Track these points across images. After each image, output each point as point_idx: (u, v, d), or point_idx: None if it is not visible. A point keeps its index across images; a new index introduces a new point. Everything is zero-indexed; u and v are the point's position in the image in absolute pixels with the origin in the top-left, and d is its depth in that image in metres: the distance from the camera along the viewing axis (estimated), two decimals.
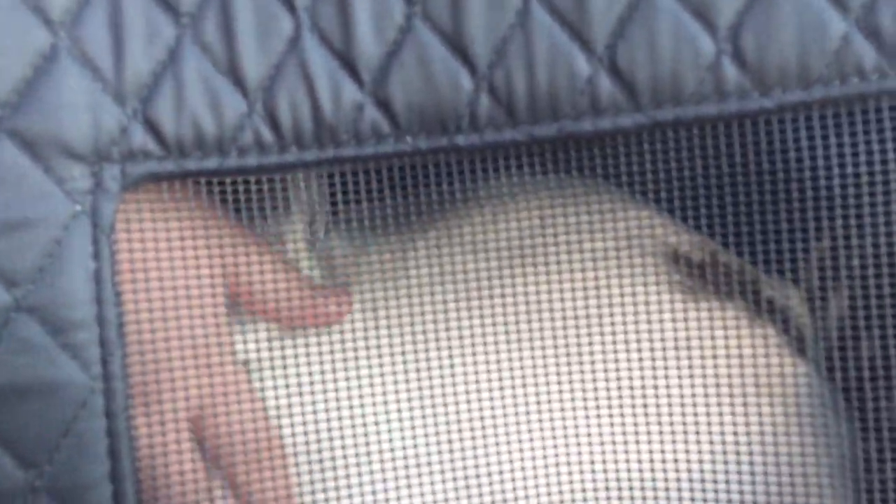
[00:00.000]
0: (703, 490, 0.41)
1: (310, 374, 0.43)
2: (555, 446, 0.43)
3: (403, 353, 0.43)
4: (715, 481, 0.41)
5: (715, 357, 0.42)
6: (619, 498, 0.43)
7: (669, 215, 0.48)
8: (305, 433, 0.43)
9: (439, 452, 0.43)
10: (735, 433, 0.43)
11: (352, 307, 0.44)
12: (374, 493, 0.43)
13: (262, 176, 0.35)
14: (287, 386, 0.43)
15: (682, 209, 0.42)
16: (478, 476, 0.43)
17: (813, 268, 0.43)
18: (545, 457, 0.43)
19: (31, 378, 0.32)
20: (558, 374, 0.43)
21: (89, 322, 0.32)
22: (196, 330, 0.38)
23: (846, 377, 0.41)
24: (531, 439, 0.43)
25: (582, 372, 0.42)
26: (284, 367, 0.43)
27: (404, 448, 0.44)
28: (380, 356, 0.43)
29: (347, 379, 0.43)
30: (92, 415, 0.32)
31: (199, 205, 0.39)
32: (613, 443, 0.43)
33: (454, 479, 0.43)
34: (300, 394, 0.42)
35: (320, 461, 0.44)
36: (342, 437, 0.44)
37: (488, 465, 0.43)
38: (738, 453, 0.42)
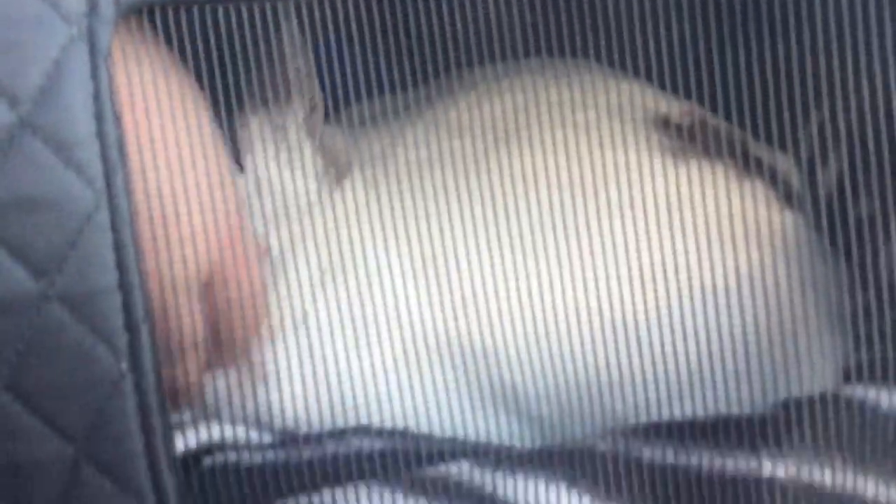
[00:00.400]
0: (696, 339, 0.42)
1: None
2: (553, 310, 0.44)
3: (405, 223, 0.45)
4: (706, 328, 0.42)
5: (705, 212, 0.42)
6: (617, 359, 0.44)
7: (659, 87, 0.49)
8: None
9: (432, 319, 0.45)
10: (725, 281, 0.44)
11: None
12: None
13: (254, 4, 0.37)
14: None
15: (672, 79, 0.43)
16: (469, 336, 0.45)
17: (811, 136, 0.43)
18: (538, 318, 0.44)
19: (38, 192, 0.34)
20: (554, 241, 0.44)
21: (90, 139, 0.34)
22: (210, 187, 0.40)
23: (844, 234, 0.41)
24: (527, 305, 0.44)
25: (578, 238, 0.43)
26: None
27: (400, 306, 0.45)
28: (382, 227, 0.44)
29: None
30: (97, 228, 0.34)
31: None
32: (609, 304, 0.44)
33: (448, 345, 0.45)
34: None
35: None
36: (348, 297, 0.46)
37: (480, 330, 0.45)
38: (728, 300, 0.43)
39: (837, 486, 0.38)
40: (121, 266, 0.35)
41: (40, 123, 0.34)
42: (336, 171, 0.48)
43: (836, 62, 0.39)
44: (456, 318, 0.45)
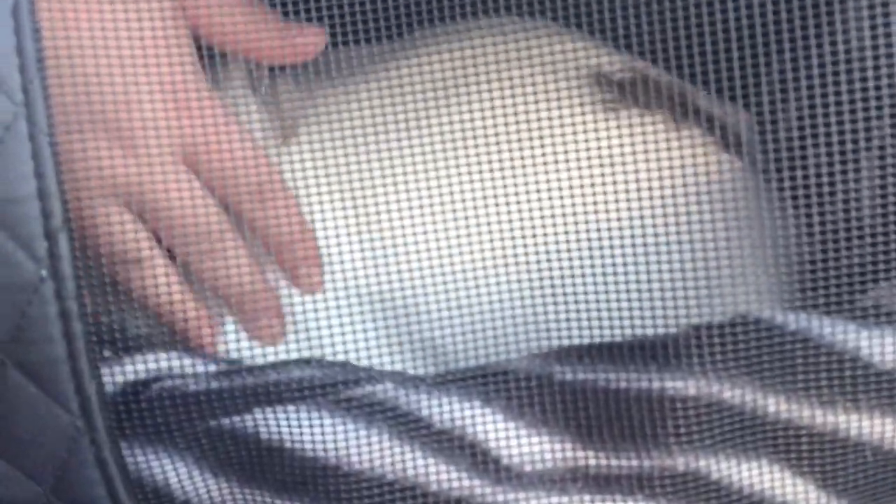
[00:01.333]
0: (640, 284, 0.43)
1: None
2: (488, 265, 0.45)
3: (350, 183, 0.46)
4: (648, 273, 0.43)
5: (644, 161, 0.43)
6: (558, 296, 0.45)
7: (612, 44, 0.50)
8: None
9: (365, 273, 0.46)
10: (667, 229, 0.45)
11: (325, 41, 0.46)
12: None
13: None
14: None
15: (612, 31, 0.44)
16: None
17: (763, 91, 0.44)
18: (470, 273, 0.45)
19: None
20: (489, 199, 0.45)
21: (9, 53, 0.36)
22: (165, 66, 0.41)
23: (794, 183, 0.42)
24: (458, 261, 0.45)
25: (513, 195, 0.45)
26: None
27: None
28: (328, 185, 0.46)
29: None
30: (16, 137, 0.36)
31: None
32: (532, 247, 0.45)
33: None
34: None
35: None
36: None
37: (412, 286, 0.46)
38: (669, 245, 0.44)
39: (739, 403, 0.39)
40: (38, 174, 0.36)
41: None
42: (283, 126, 0.50)
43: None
44: (388, 274, 0.46)
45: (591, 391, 0.39)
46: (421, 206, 0.47)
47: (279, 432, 0.41)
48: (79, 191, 0.41)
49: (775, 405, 0.39)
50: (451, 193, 0.46)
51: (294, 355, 0.45)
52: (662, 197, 0.45)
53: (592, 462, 0.40)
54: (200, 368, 0.45)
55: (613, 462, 0.39)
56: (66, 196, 0.37)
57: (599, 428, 0.39)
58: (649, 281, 0.42)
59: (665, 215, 0.45)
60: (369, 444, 0.40)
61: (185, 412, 0.42)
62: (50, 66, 0.37)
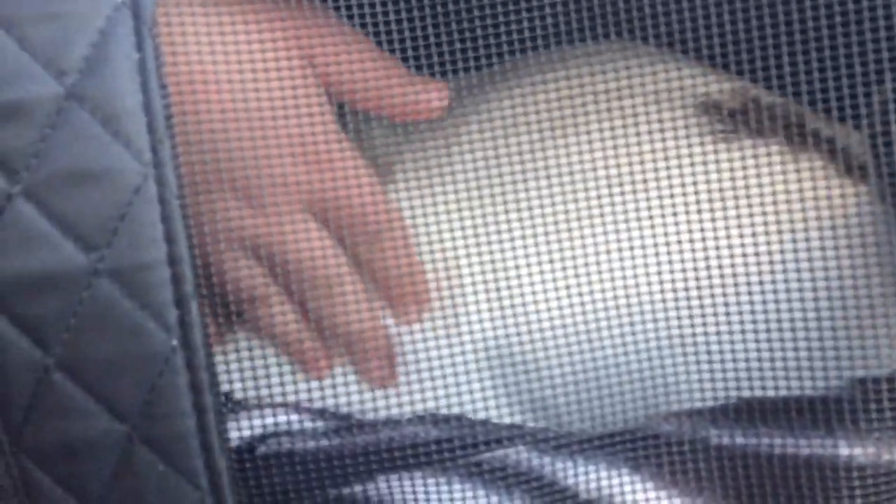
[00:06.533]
0: (766, 322, 0.40)
1: None
2: (613, 299, 0.43)
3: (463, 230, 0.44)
4: (777, 311, 0.40)
5: (761, 193, 0.41)
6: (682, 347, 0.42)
7: (708, 64, 0.48)
8: None
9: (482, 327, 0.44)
10: (784, 262, 0.42)
11: (449, 98, 0.44)
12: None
13: None
14: None
15: (722, 56, 0.42)
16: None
17: (876, 112, 0.41)
18: (593, 315, 0.43)
19: (87, 165, 0.34)
20: (604, 234, 0.43)
21: (137, 111, 0.34)
22: (295, 118, 0.39)
23: None
24: (583, 303, 0.43)
25: (630, 233, 0.42)
26: None
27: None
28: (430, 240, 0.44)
29: None
30: (145, 200, 0.34)
31: None
32: (670, 293, 0.43)
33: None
34: None
35: None
36: None
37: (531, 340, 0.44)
38: (789, 282, 0.41)
39: None
40: (169, 239, 0.34)
41: (87, 95, 0.34)
42: (378, 167, 0.48)
43: None
44: (513, 327, 0.44)
45: (752, 457, 0.37)
46: (539, 252, 0.44)
47: (414, 502, 0.39)
48: (206, 245, 0.39)
49: None
50: (572, 237, 0.44)
51: (407, 408, 0.43)
52: (798, 234, 0.43)
53: None
54: (309, 424, 0.43)
55: None
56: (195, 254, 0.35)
57: (763, 497, 0.37)
58: (806, 330, 0.39)
59: (808, 257, 0.42)
60: None
61: (310, 478, 0.40)
62: (177, 123, 0.35)
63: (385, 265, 0.44)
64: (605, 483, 0.38)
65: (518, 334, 0.45)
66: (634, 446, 0.38)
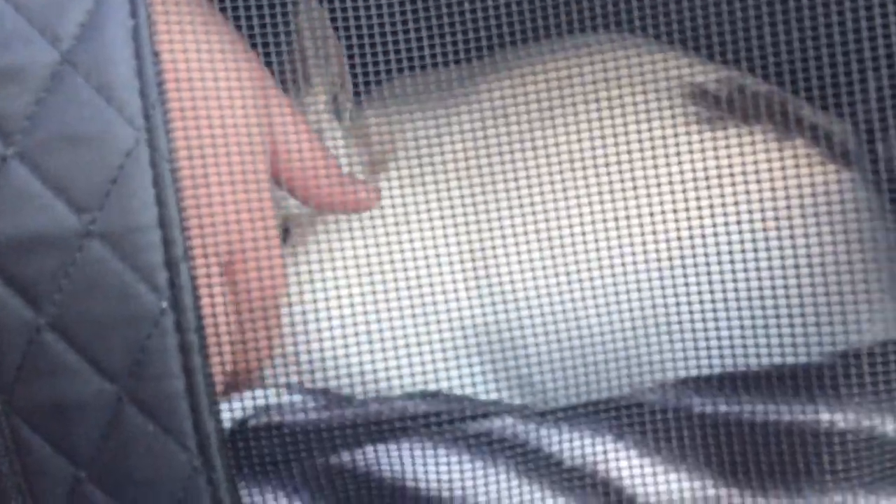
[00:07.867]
0: (750, 308, 0.41)
1: (354, 249, 0.45)
2: (590, 279, 0.43)
3: (443, 220, 0.45)
4: (760, 297, 0.41)
5: (745, 179, 0.41)
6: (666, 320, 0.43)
7: (694, 52, 0.48)
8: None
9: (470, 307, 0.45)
10: (779, 246, 0.43)
11: (380, 199, 0.46)
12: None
13: None
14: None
15: (708, 47, 0.42)
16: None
17: (871, 100, 0.42)
18: (577, 300, 0.44)
19: (81, 129, 0.35)
20: (590, 210, 0.44)
21: (130, 77, 0.35)
22: (239, 157, 0.40)
23: None
24: (569, 280, 0.44)
25: (616, 219, 0.43)
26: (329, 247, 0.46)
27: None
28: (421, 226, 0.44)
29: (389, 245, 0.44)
30: (137, 164, 0.35)
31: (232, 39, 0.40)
32: (654, 272, 0.43)
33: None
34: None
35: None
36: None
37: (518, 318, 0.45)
38: (772, 260, 0.42)
39: None
40: (160, 202, 0.35)
41: (82, 60, 0.34)
42: (372, 156, 0.48)
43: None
44: (493, 306, 0.45)
45: (734, 424, 0.37)
46: (527, 234, 0.45)
47: (400, 469, 0.39)
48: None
49: None
50: (559, 220, 0.44)
51: (395, 384, 0.44)
52: (782, 216, 0.43)
53: (737, 501, 0.37)
54: (299, 399, 0.44)
55: (760, 500, 0.37)
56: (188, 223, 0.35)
57: (745, 464, 0.37)
58: (788, 306, 0.40)
59: (790, 235, 0.43)
60: (497, 483, 0.38)
61: (299, 447, 0.40)
62: (170, 90, 0.36)
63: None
64: (589, 450, 0.38)
65: (505, 311, 0.46)
66: (619, 414, 0.39)
